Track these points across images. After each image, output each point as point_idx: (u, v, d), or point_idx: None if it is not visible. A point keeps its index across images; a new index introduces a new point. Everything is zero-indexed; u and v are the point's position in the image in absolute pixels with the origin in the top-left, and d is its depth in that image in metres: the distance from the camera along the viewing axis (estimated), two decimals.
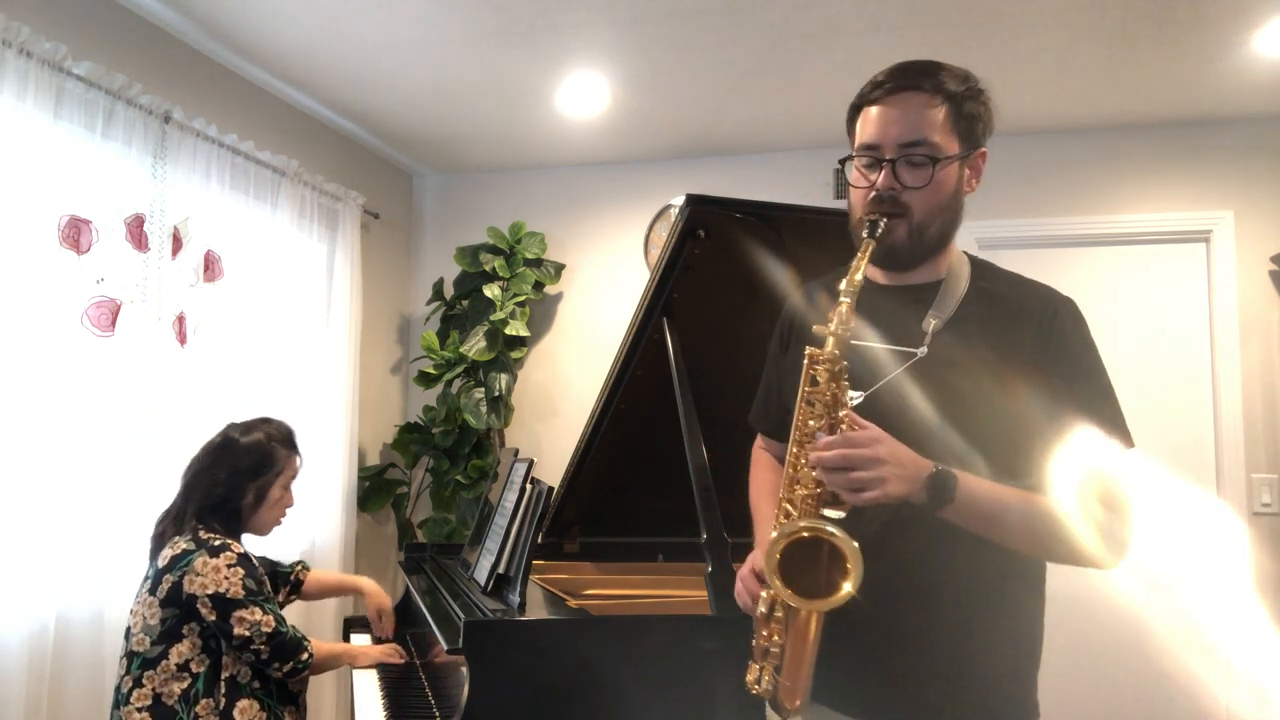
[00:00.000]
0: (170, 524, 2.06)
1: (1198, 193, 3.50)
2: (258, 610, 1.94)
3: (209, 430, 2.19)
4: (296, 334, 3.32)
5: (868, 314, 1.34)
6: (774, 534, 1.16)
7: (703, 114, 3.52)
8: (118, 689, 1.93)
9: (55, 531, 2.29)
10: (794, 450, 1.24)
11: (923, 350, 1.28)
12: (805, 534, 1.15)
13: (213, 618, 1.91)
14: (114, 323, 2.49)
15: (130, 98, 2.54)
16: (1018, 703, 1.28)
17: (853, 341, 1.29)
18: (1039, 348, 1.27)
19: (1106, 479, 1.22)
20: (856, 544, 1.11)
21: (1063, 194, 3.61)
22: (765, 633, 1.24)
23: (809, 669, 1.21)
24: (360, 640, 2.56)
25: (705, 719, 1.69)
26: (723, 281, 2.04)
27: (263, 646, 1.94)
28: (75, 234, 2.39)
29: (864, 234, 1.26)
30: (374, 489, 3.79)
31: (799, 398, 1.24)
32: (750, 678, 1.29)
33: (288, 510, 2.21)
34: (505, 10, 2.72)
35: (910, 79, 1.29)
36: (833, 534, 1.13)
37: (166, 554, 1.97)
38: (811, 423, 1.22)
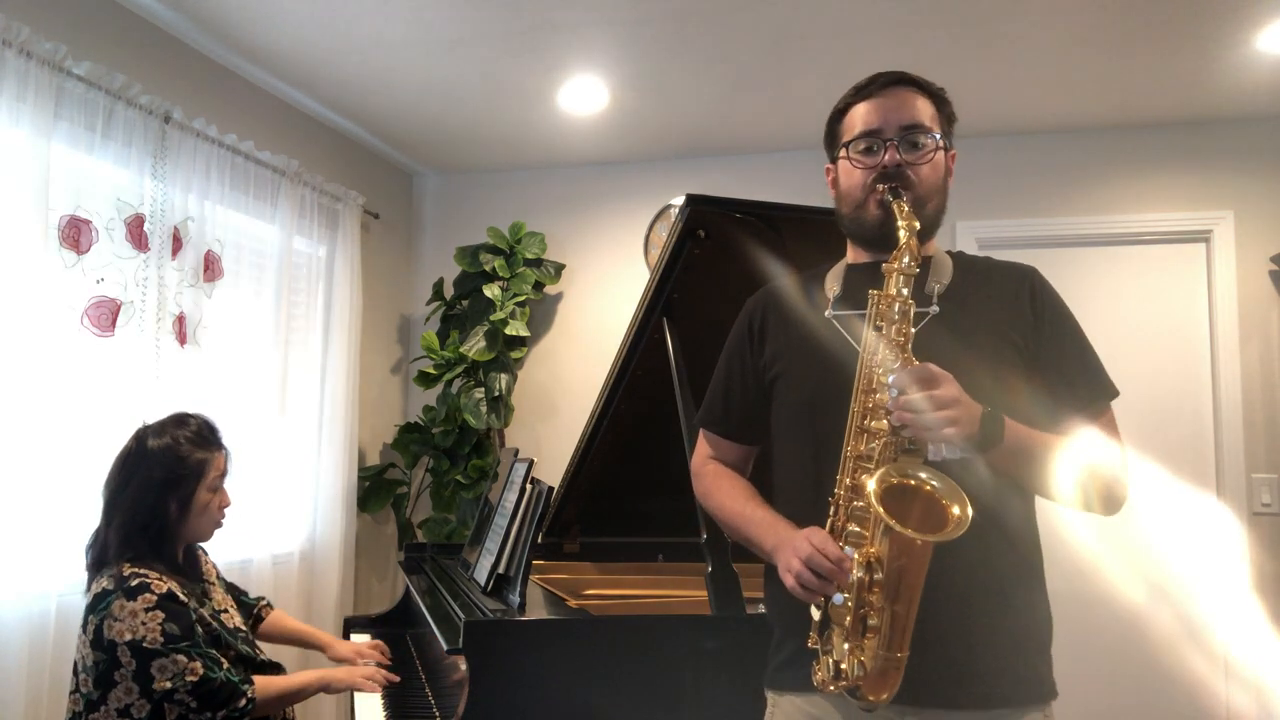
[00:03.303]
0: (99, 549, 1.89)
1: (1198, 193, 3.50)
2: (181, 659, 1.74)
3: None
4: (296, 334, 3.32)
5: (866, 286, 1.38)
6: (870, 482, 1.15)
7: (703, 114, 3.52)
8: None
9: (56, 529, 2.29)
10: (860, 400, 1.24)
11: (935, 308, 1.33)
12: (910, 481, 1.15)
13: (133, 667, 1.73)
14: (114, 323, 2.49)
15: (130, 98, 2.54)
16: (1028, 682, 1.31)
17: (862, 311, 1.34)
18: (1038, 310, 1.38)
19: (1107, 427, 1.36)
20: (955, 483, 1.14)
21: (1063, 194, 3.61)
22: (867, 599, 1.15)
23: (911, 631, 1.16)
24: (361, 640, 2.56)
25: (705, 719, 1.69)
26: (723, 281, 2.04)
27: (188, 697, 1.74)
28: (75, 234, 2.39)
29: (887, 198, 1.33)
30: (374, 489, 3.79)
31: (864, 341, 1.25)
32: (824, 675, 1.20)
33: (225, 510, 2.00)
34: (505, 10, 2.72)
35: (898, 77, 1.41)
36: (932, 482, 1.15)
37: (93, 590, 1.82)
38: (881, 370, 1.22)
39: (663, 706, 1.69)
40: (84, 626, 1.80)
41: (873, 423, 1.22)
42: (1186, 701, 3.30)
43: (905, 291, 1.25)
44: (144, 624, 1.74)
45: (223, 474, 1.99)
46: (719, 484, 1.52)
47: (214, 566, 2.13)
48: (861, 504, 1.20)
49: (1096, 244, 3.61)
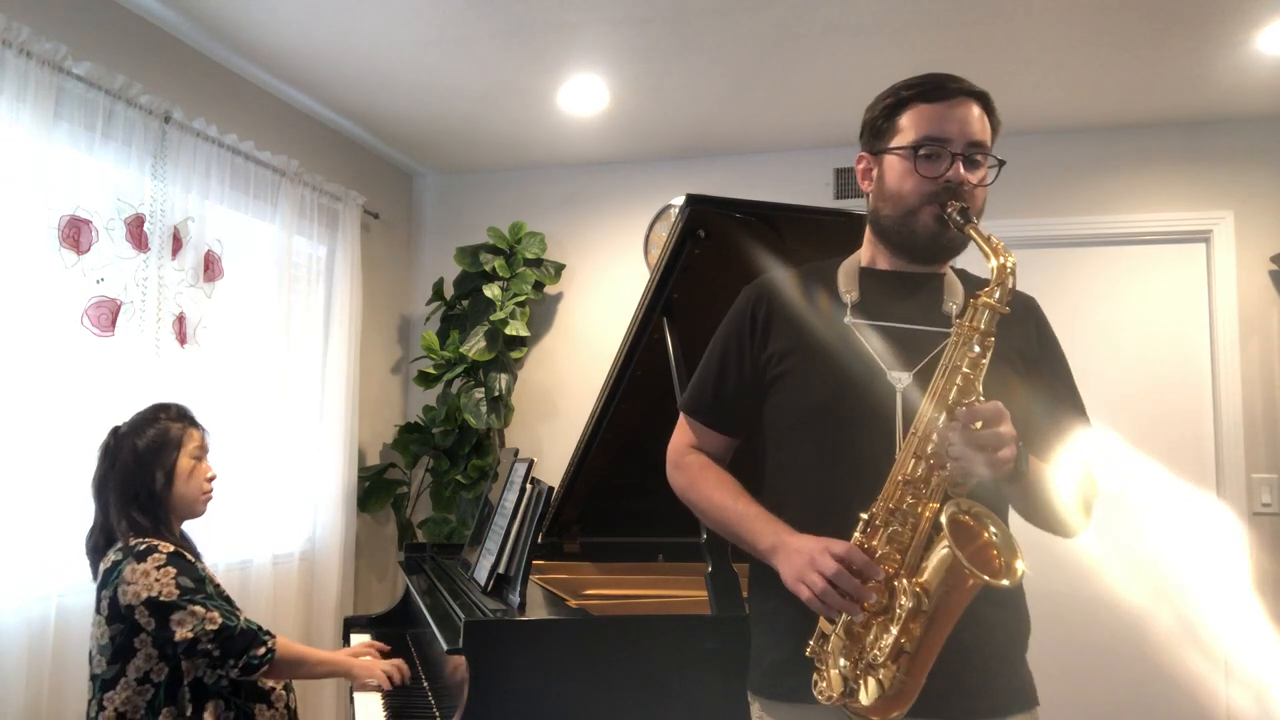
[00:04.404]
0: (100, 535, 1.97)
1: (1198, 193, 3.50)
2: (199, 609, 1.82)
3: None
4: (296, 334, 3.32)
5: (884, 296, 1.38)
6: (943, 516, 1.12)
7: (703, 114, 3.52)
8: (87, 714, 1.87)
9: (56, 529, 2.29)
10: (921, 428, 1.20)
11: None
12: (972, 522, 1.14)
13: (152, 625, 1.81)
14: (114, 323, 2.49)
15: (130, 98, 2.54)
16: (1017, 689, 1.31)
17: (883, 323, 1.35)
18: (1042, 341, 1.41)
19: (1088, 456, 1.38)
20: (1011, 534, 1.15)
21: (1063, 194, 3.61)
22: (912, 628, 1.13)
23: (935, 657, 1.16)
24: (361, 640, 2.56)
25: (704, 719, 1.69)
26: (723, 282, 2.04)
27: (211, 646, 1.82)
28: (75, 234, 2.39)
29: (959, 219, 1.29)
30: (374, 489, 3.79)
31: (942, 372, 1.21)
32: (827, 688, 1.18)
33: (210, 483, 2.07)
34: (505, 10, 2.72)
35: (968, 88, 1.35)
36: (996, 533, 1.15)
37: (101, 569, 1.91)
38: (951, 400, 1.18)
39: (662, 706, 1.69)
40: (97, 608, 1.86)
41: (931, 450, 1.19)
42: (1186, 702, 3.30)
43: (992, 326, 1.20)
44: (157, 580, 1.81)
45: (202, 448, 2.07)
46: (704, 475, 1.47)
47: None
48: (901, 528, 1.18)
49: (1096, 244, 3.60)
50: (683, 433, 1.56)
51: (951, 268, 1.45)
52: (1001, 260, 1.21)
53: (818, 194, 3.78)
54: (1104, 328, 3.52)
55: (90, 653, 1.89)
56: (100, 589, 1.87)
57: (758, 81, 3.20)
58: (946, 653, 1.21)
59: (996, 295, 1.21)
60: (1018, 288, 1.47)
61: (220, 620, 1.83)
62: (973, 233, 1.27)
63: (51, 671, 2.25)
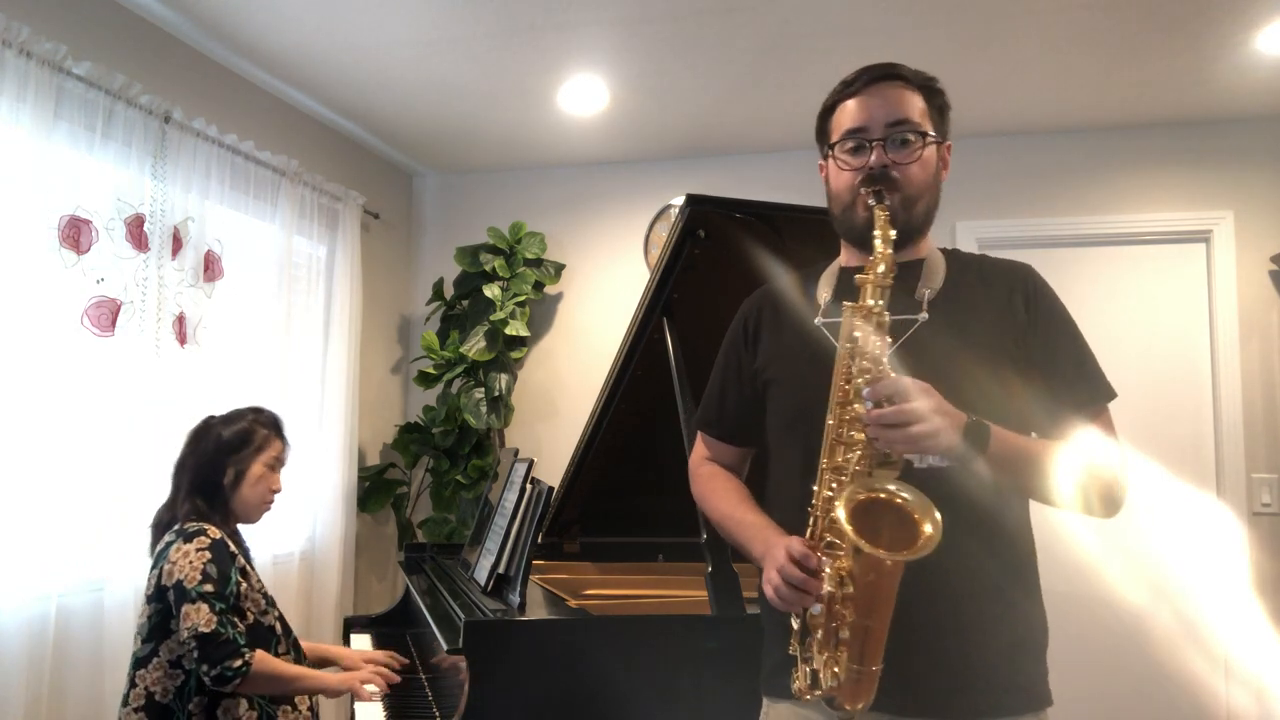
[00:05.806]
0: (166, 512, 2.03)
1: (1198, 193, 3.50)
2: (205, 607, 1.83)
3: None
4: (296, 334, 3.32)
5: (855, 293, 1.36)
6: (839, 500, 1.12)
7: (703, 114, 3.52)
8: (123, 693, 1.91)
9: (56, 529, 2.29)
10: (836, 412, 1.21)
11: (924, 315, 1.30)
12: (881, 495, 1.13)
13: (175, 610, 1.85)
14: (114, 323, 2.49)
15: (130, 98, 2.53)
16: (1024, 690, 1.29)
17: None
18: (1031, 310, 1.34)
19: (1104, 429, 1.32)
20: (927, 497, 1.12)
21: (1063, 194, 3.61)
22: (839, 613, 1.14)
23: (884, 644, 1.15)
24: (361, 640, 2.56)
25: (705, 719, 1.69)
26: (723, 281, 2.04)
27: (193, 644, 1.83)
28: (75, 234, 2.39)
29: (870, 203, 1.30)
30: (374, 489, 3.79)
31: (839, 355, 1.23)
32: (801, 684, 1.19)
33: (274, 495, 2.13)
34: (505, 10, 2.72)
35: (884, 71, 1.37)
36: (903, 495, 1.13)
37: (156, 549, 1.97)
38: (858, 380, 1.19)
39: (662, 706, 1.69)
40: (146, 588, 1.92)
41: (851, 434, 1.20)
42: (1186, 701, 3.30)
43: (881, 303, 1.21)
44: (191, 563, 1.86)
45: (280, 461, 2.14)
46: (713, 485, 1.52)
47: None
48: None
49: (1096, 244, 3.61)
50: (699, 446, 1.60)
51: (941, 250, 1.43)
52: (880, 233, 1.24)
53: (818, 194, 3.74)
54: (1104, 328, 3.52)
55: (135, 635, 1.94)
56: (151, 568, 1.93)
57: (758, 81, 3.20)
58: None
59: (880, 270, 1.22)
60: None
61: (213, 625, 1.83)
62: (877, 212, 1.27)
63: (51, 671, 2.25)
